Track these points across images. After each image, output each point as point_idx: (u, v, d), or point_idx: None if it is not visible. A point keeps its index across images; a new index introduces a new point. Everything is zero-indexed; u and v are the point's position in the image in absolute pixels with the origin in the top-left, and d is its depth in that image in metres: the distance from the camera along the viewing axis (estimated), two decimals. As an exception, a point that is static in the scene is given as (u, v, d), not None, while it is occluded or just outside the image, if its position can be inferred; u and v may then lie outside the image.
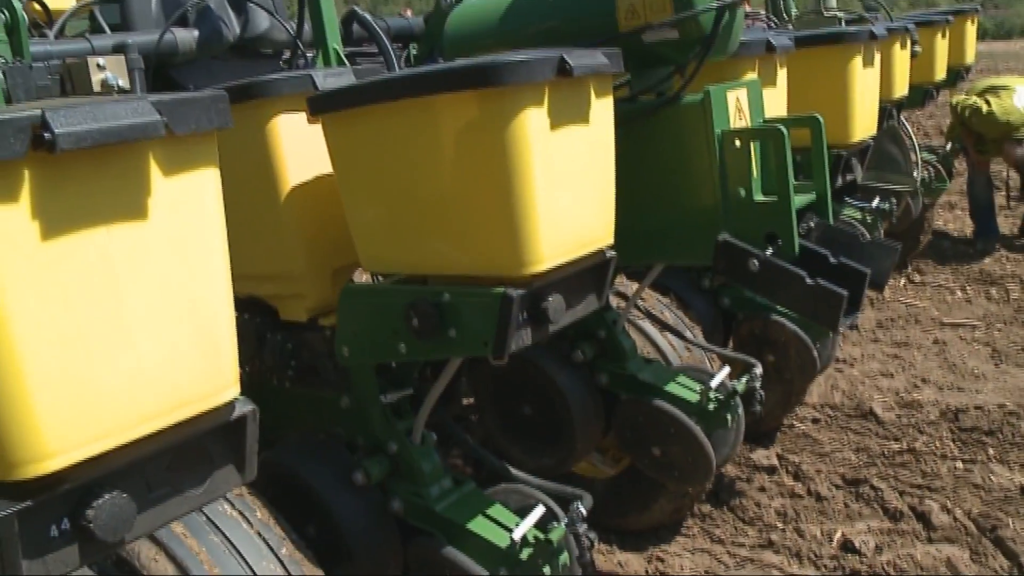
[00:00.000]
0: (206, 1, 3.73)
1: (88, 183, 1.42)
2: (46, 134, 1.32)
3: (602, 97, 2.28)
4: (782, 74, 3.52)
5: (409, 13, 10.17)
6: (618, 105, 2.35)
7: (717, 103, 2.67)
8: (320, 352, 2.71)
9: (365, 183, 2.31)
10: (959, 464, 4.08)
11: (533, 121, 2.04)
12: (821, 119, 2.90)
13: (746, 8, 2.69)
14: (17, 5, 3.07)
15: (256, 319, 2.80)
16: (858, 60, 4.32)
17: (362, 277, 2.90)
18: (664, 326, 3.53)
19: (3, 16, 3.06)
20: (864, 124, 4.46)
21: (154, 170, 1.47)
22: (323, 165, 2.45)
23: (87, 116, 1.36)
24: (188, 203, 1.53)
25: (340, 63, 3.33)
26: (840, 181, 4.47)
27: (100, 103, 1.41)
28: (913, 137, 6.03)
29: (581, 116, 2.20)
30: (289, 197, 2.51)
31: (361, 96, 2.22)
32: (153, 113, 1.43)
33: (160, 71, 3.66)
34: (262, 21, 3.80)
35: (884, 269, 3.11)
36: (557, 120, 2.11)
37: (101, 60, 2.84)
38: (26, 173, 1.35)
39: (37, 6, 3.72)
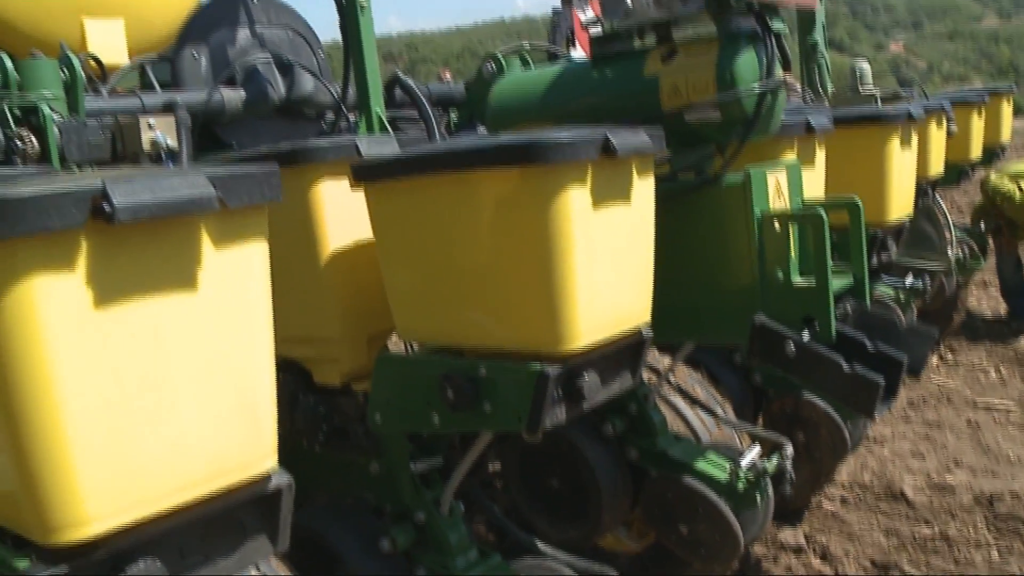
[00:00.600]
0: (254, 62, 3.83)
1: (141, 253, 1.45)
2: (106, 205, 1.36)
3: (644, 176, 2.30)
4: (821, 154, 3.53)
5: (447, 75, 10.36)
6: (658, 183, 2.36)
7: (757, 185, 2.69)
8: (352, 417, 2.72)
9: (405, 252, 2.33)
10: (994, 553, 3.99)
11: (576, 199, 2.06)
12: (860, 203, 2.91)
13: (784, 77, 2.71)
14: (76, 64, 3.16)
15: (290, 380, 2.82)
16: (895, 140, 4.33)
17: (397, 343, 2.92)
18: (695, 402, 3.51)
19: (63, 74, 3.15)
20: (900, 204, 4.46)
21: (205, 241, 1.50)
22: (364, 231, 2.49)
23: (145, 189, 1.40)
24: (237, 275, 1.56)
25: (383, 128, 3.39)
26: (876, 260, 4.45)
27: (158, 176, 1.45)
28: (948, 215, 6.01)
29: (623, 195, 2.22)
30: (329, 261, 2.54)
31: (405, 168, 2.25)
32: (208, 187, 1.46)
33: (206, 128, 3.74)
34: (307, 83, 3.88)
35: (921, 356, 3.09)
36: (599, 199, 2.13)
37: (152, 120, 2.91)
38: (83, 242, 1.38)
39: (92, 62, 3.82)
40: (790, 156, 3.21)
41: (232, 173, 1.51)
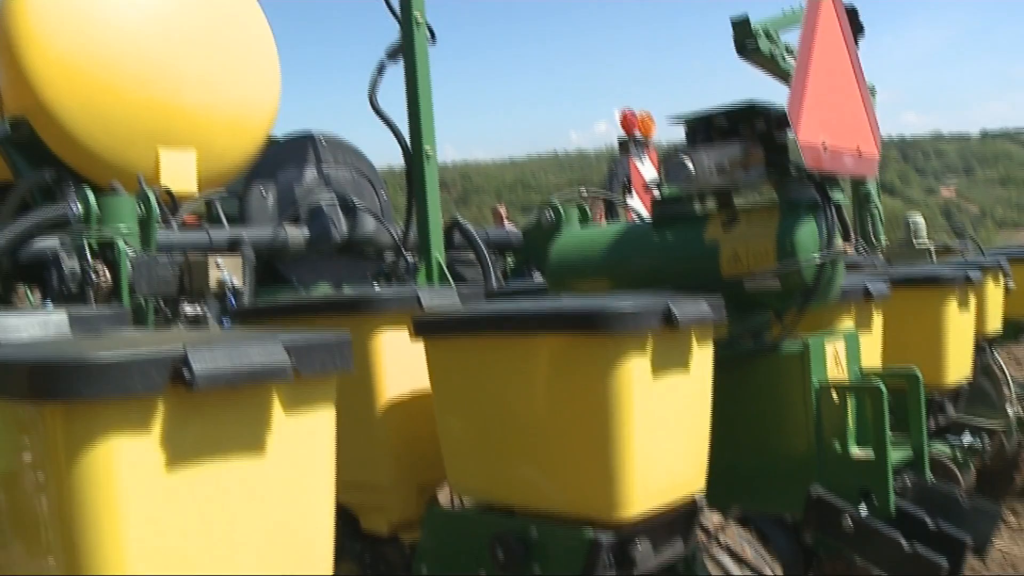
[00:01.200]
0: (319, 202, 3.98)
1: (215, 416, 1.49)
2: (186, 372, 1.41)
3: (703, 345, 2.32)
4: (878, 319, 3.54)
5: (503, 210, 10.60)
6: (716, 348, 2.38)
7: (816, 355, 2.70)
8: (397, 567, 2.70)
9: (462, 406, 2.36)
10: None
11: (636, 368, 2.09)
12: (919, 375, 2.89)
13: (844, 248, 2.75)
14: (153, 201, 3.31)
15: (337, 525, 2.81)
16: (953, 303, 4.32)
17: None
18: (743, 562, 3.43)
19: (139, 209, 3.30)
20: (959, 366, 4.41)
21: (277, 407, 1.54)
22: (421, 380, 2.52)
23: (223, 356, 1.45)
24: (304, 439, 1.59)
25: (442, 274, 3.48)
26: (933, 423, 4.38)
27: (235, 342, 1.50)
28: (1006, 371, 5.91)
29: (682, 364, 2.24)
30: (385, 409, 2.58)
31: (466, 326, 2.30)
32: (283, 355, 1.51)
33: (269, 264, 3.87)
34: (369, 224, 4.02)
35: (985, 535, 3.00)
36: (659, 367, 2.15)
37: (220, 259, 3.02)
38: (160, 404, 1.43)
39: (166, 194, 3.99)
40: (848, 322, 3.21)
41: (307, 342, 1.56)
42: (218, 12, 4.92)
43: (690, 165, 2.76)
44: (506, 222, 12.29)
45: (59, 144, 4.57)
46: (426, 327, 2.40)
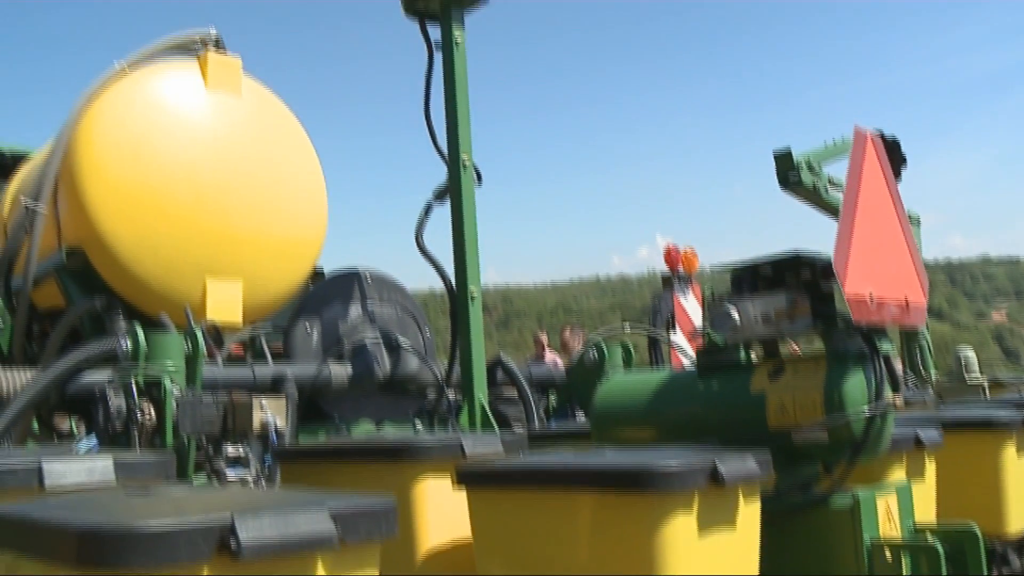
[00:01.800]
0: (363, 340, 4.03)
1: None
2: (232, 541, 1.42)
3: (750, 502, 2.30)
4: (931, 468, 3.47)
5: (544, 337, 10.63)
6: (762, 501, 2.35)
7: (867, 510, 2.65)
8: None
9: (503, 559, 2.33)
10: None
11: (680, 528, 2.07)
12: (978, 531, 2.82)
13: (894, 400, 2.72)
14: (200, 337, 3.38)
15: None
16: (1011, 447, 4.21)
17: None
18: None
19: (186, 346, 3.37)
20: (1021, 513, 4.27)
21: (320, 573, 1.54)
22: (462, 529, 2.50)
23: (270, 525, 1.46)
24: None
25: (485, 417, 3.49)
26: (994, 576, 4.22)
27: (283, 509, 1.52)
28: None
29: (728, 522, 2.22)
30: (424, 559, 2.56)
31: (510, 478, 2.30)
32: (329, 524, 1.52)
33: (312, 400, 3.91)
34: (412, 363, 4.06)
35: None
36: (704, 526, 2.13)
37: (264, 401, 3.07)
38: (204, 572, 1.44)
39: (212, 329, 4.06)
40: (899, 473, 3.16)
41: (352, 509, 1.57)
42: (270, 145, 5.11)
43: (735, 315, 2.78)
44: (547, 350, 12.31)
45: (111, 273, 4.69)
46: (469, 478, 2.40)
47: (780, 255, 2.78)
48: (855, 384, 2.63)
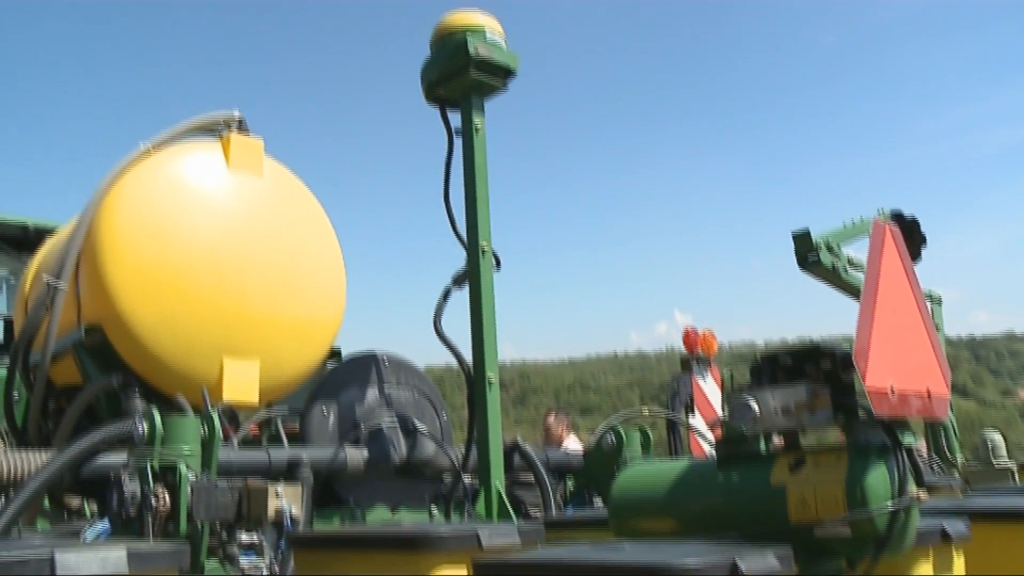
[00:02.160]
0: (380, 424, 4.04)
1: None
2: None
3: (772, 600, 2.26)
4: (959, 563, 3.40)
5: (562, 423, 10.63)
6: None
7: (892, 610, 2.60)
8: None
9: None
10: None
11: (701, 628, 2.04)
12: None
13: (919, 494, 2.70)
14: (216, 421, 3.40)
15: None
16: (1043, 541, 4.13)
17: None
18: None
19: (202, 430, 3.38)
20: (1051, 610, 4.16)
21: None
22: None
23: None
24: None
25: (501, 504, 3.47)
26: None
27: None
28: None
29: (749, 622, 2.18)
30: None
31: (527, 572, 2.28)
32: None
33: (327, 484, 3.90)
34: (428, 447, 4.06)
35: None
36: (725, 626, 2.09)
37: (280, 488, 3.07)
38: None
39: (227, 410, 4.08)
40: (926, 568, 3.10)
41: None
42: (290, 226, 5.19)
43: (755, 406, 2.78)
44: (563, 431, 12.24)
45: (129, 351, 4.73)
46: (486, 571, 2.39)
47: (799, 345, 2.79)
48: (878, 478, 2.61)
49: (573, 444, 10.84)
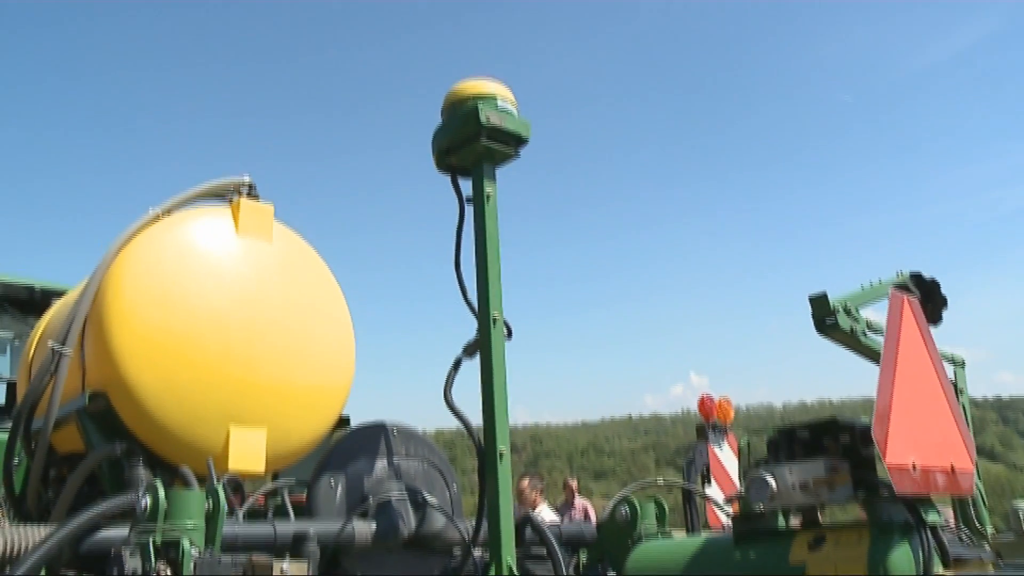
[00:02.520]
0: (388, 497, 4.02)
1: None
2: None
3: None
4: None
5: (574, 483, 10.53)
6: None
7: None
8: None
9: None
10: None
11: None
12: None
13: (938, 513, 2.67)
14: (222, 494, 3.39)
15: None
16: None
17: None
18: None
19: (207, 504, 3.36)
20: None
21: None
22: None
23: None
24: None
25: (512, 579, 3.43)
26: None
27: None
28: None
29: None
30: None
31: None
32: None
33: (334, 557, 3.86)
34: (438, 520, 4.02)
35: None
36: None
37: (285, 565, 3.04)
38: None
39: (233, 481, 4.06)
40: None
41: None
42: (299, 292, 5.22)
43: (772, 482, 2.76)
44: (577, 496, 12.16)
45: (134, 418, 4.71)
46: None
47: (817, 420, 2.78)
48: (901, 557, 2.59)
49: (546, 511, 10.76)
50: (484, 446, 3.61)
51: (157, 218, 4.98)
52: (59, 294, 7.70)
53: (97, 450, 4.66)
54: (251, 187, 5.30)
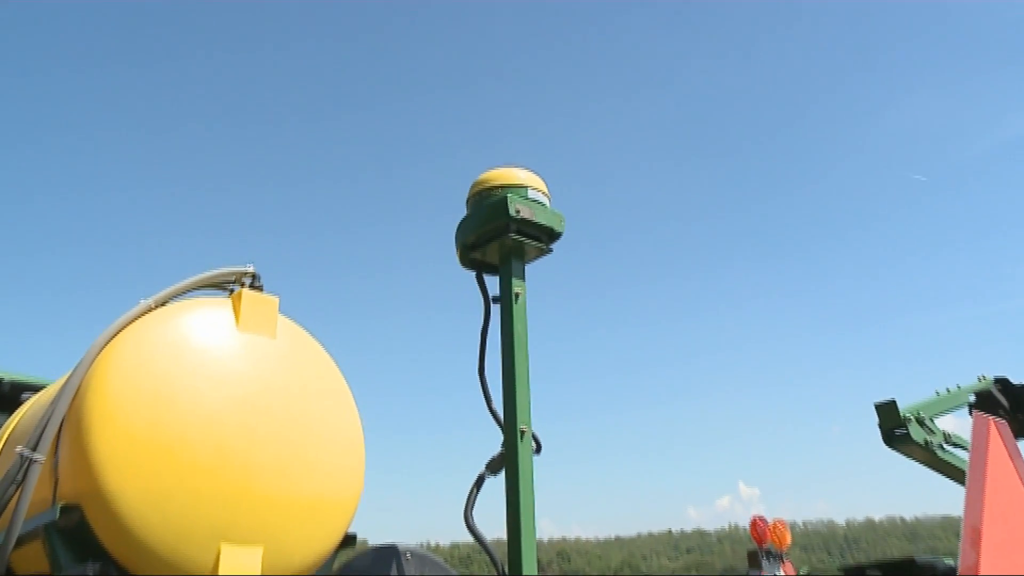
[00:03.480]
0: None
1: None
2: None
3: None
4: None
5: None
6: None
7: None
8: None
9: None
10: None
11: None
12: None
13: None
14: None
15: None
16: None
17: None
18: None
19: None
20: None
21: None
22: None
23: None
24: None
25: None
26: None
27: None
28: None
29: None
30: None
31: None
32: None
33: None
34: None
35: None
36: None
37: None
38: None
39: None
40: None
41: None
42: (304, 394, 5.18)
43: (842, 633, 2.68)
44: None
45: (111, 535, 4.61)
46: None
47: (892, 560, 2.71)
48: None
49: None
50: (509, 570, 3.53)
51: (149, 310, 4.97)
52: (33, 388, 7.62)
53: (65, 571, 4.54)
54: (255, 277, 5.34)
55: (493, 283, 4.47)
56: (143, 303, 5.01)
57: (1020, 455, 2.99)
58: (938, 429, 7.44)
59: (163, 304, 5.07)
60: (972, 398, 7.77)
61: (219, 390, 4.85)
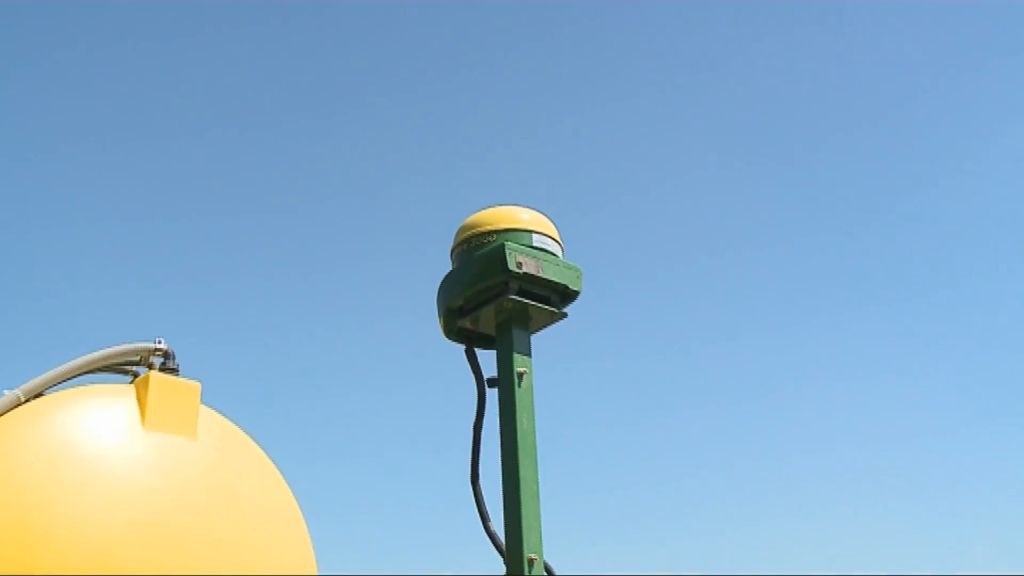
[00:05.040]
0: None
1: None
2: None
3: None
4: None
5: None
6: None
7: None
8: None
9: None
10: None
11: None
12: None
13: None
14: None
15: None
16: None
17: None
18: None
19: None
20: None
21: None
22: None
23: None
24: None
25: None
26: None
27: None
28: None
29: None
30: None
31: None
32: None
33: None
34: None
35: None
36: None
37: None
38: None
39: None
40: None
41: None
42: (234, 512, 4.87)
43: None
44: None
45: None
46: None
47: None
48: None
49: None
50: None
51: (17, 404, 4.63)
52: None
53: None
54: (167, 356, 5.06)
55: (489, 360, 4.18)
56: (8, 395, 4.65)
57: None
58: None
59: (37, 396, 4.74)
60: None
61: (115, 513, 4.47)
